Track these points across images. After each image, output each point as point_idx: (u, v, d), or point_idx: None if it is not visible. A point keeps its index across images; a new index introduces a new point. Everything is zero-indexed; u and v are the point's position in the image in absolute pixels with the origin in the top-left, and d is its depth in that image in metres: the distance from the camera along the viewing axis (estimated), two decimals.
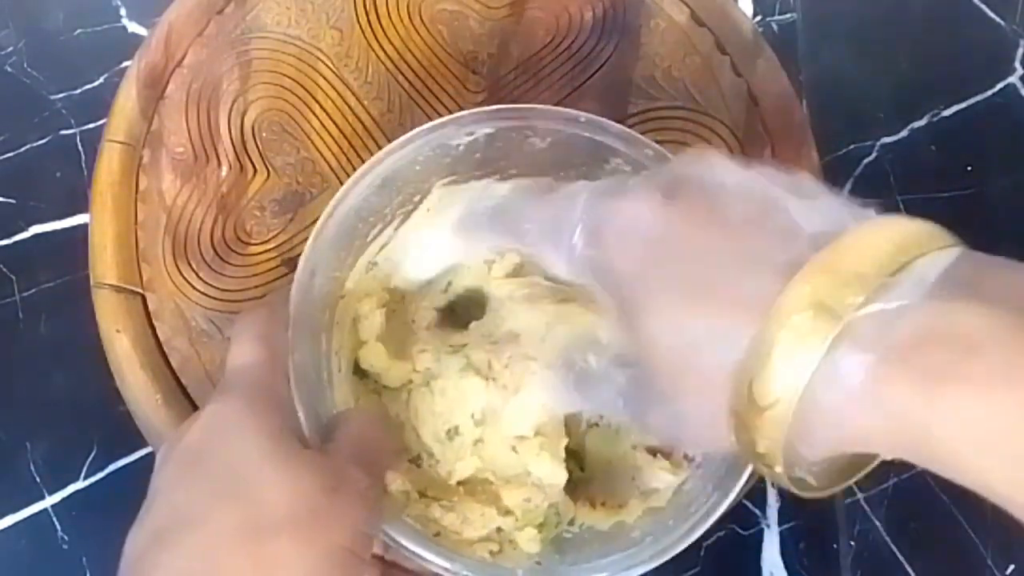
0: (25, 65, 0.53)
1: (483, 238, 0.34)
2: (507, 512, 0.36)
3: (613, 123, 0.36)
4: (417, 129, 0.36)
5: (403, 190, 0.38)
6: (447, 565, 0.33)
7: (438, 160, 0.37)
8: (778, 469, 0.23)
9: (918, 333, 0.20)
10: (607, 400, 0.29)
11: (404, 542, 0.33)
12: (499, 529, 0.36)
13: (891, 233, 0.22)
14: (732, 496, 0.33)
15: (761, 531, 0.45)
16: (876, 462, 0.25)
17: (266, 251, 0.45)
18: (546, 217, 0.29)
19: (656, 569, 0.33)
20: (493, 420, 0.36)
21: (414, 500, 0.36)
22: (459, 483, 0.37)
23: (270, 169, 0.46)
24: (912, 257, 0.21)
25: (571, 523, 0.37)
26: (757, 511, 0.45)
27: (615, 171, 0.38)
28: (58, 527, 0.45)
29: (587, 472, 0.39)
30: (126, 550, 0.28)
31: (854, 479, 0.25)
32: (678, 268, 0.24)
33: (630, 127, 0.37)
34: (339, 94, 0.47)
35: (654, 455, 0.37)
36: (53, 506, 0.45)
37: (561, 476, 0.36)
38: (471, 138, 0.37)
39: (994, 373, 0.20)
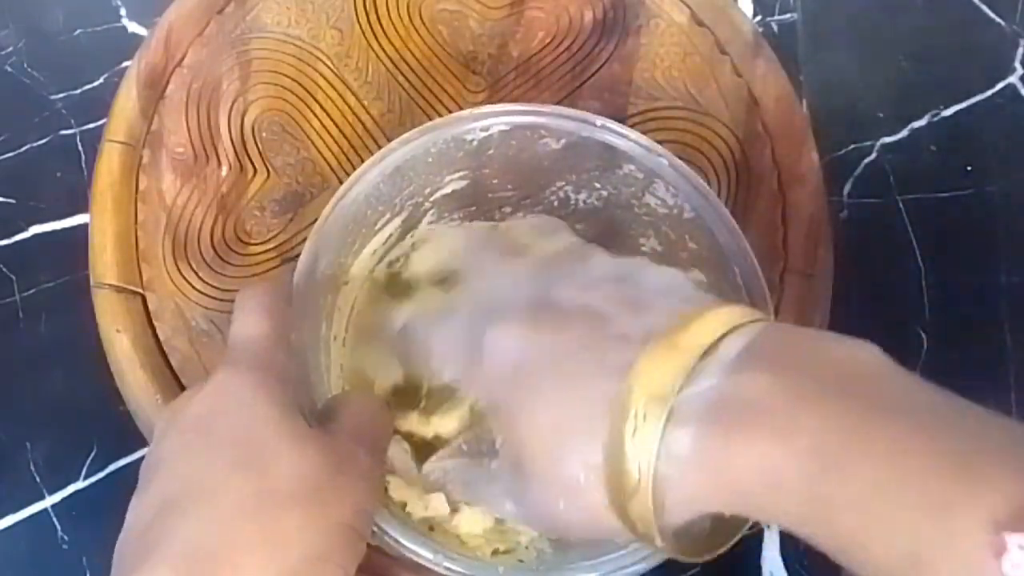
0: (25, 65, 0.53)
1: (390, 361, 0.37)
2: None
3: (630, 130, 0.36)
4: (433, 121, 0.36)
5: (414, 181, 0.38)
6: (430, 556, 0.33)
7: (451, 154, 0.37)
8: (658, 543, 0.26)
9: (718, 405, 0.25)
10: (496, 501, 0.32)
11: (389, 530, 0.33)
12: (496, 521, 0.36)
13: (701, 324, 0.26)
14: None
15: (761, 531, 0.45)
16: (745, 527, 0.29)
17: (266, 251, 0.45)
18: (443, 347, 0.34)
19: (655, 569, 0.33)
20: None
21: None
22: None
23: (270, 169, 0.46)
24: (717, 340, 0.26)
25: None
26: None
27: (627, 177, 0.38)
28: (58, 527, 0.45)
29: None
30: (129, 520, 0.28)
31: (730, 542, 0.29)
32: (540, 383, 0.29)
33: (630, 127, 0.37)
34: (339, 94, 0.47)
35: None
36: (53, 506, 0.45)
37: None
38: (486, 134, 0.37)
39: (772, 428, 0.24)
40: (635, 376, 0.26)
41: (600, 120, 0.36)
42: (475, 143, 0.37)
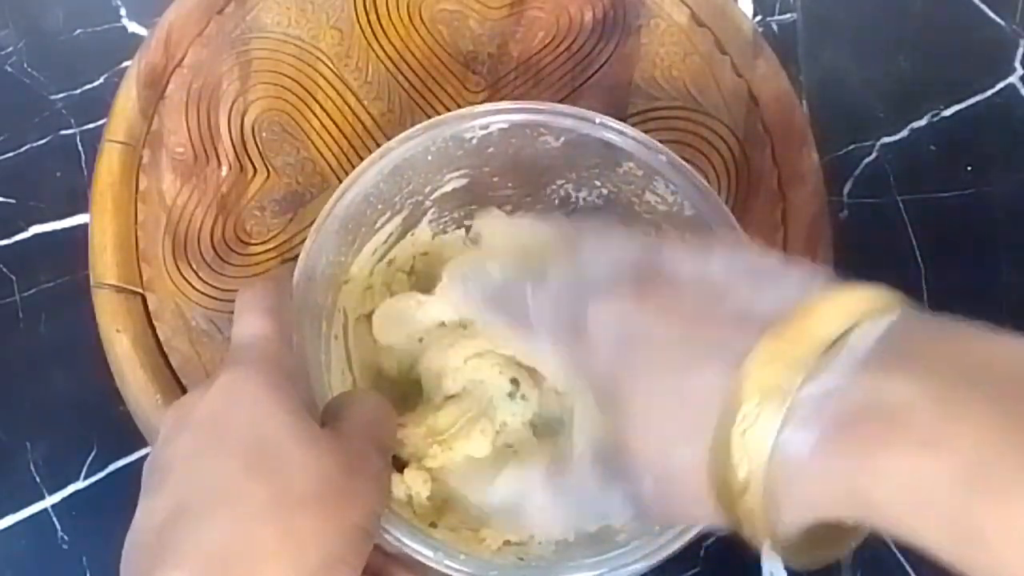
0: (25, 65, 0.53)
1: (478, 316, 0.34)
2: None
3: (628, 127, 0.37)
4: (432, 119, 0.36)
5: (413, 179, 0.38)
6: (430, 555, 0.33)
7: (451, 152, 0.37)
8: (767, 544, 0.25)
9: (852, 409, 0.22)
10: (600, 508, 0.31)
11: (390, 528, 0.33)
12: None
13: (828, 309, 0.24)
14: None
15: None
16: (862, 535, 0.26)
17: (266, 251, 0.45)
18: (538, 312, 0.30)
19: (656, 569, 0.33)
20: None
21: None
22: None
23: (270, 169, 0.46)
24: (847, 329, 0.23)
25: None
26: None
27: (627, 174, 0.38)
28: (58, 527, 0.45)
29: None
30: (138, 522, 0.27)
31: (842, 550, 0.26)
32: (646, 363, 0.26)
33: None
34: (339, 94, 0.47)
35: None
36: (53, 506, 0.45)
37: None
38: (485, 132, 0.37)
39: (919, 442, 0.21)
40: (749, 368, 0.23)
41: (599, 117, 0.36)
42: (475, 141, 0.37)
